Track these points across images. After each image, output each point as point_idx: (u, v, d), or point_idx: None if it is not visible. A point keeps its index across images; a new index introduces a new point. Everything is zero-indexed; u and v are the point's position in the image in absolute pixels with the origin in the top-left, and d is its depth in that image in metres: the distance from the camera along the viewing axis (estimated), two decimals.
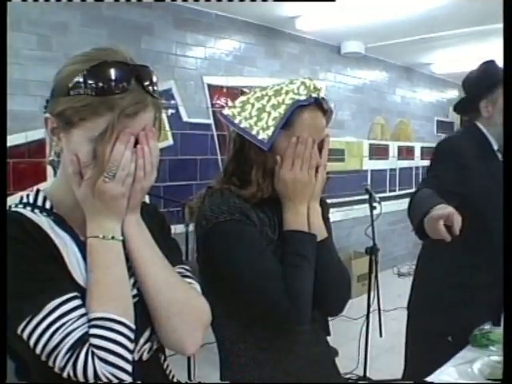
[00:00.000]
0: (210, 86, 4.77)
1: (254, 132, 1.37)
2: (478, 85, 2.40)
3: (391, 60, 6.87)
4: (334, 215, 5.85)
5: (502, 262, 1.30)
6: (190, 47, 4.64)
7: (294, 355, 1.45)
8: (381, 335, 3.72)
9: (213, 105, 4.79)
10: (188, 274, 1.15)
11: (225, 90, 4.82)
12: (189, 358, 3.43)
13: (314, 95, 1.38)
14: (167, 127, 4.45)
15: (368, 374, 3.70)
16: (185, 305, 1.05)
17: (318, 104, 1.39)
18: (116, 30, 3.96)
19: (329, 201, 5.36)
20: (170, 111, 4.49)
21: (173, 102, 4.51)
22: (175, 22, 4.48)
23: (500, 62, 2.42)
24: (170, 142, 4.49)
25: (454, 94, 8.46)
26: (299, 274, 1.33)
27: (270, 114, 1.36)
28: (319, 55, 5.85)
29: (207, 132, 4.73)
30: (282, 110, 1.36)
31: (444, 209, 1.75)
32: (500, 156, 2.33)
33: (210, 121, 4.71)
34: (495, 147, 2.34)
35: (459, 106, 2.55)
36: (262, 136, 1.36)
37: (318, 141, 1.40)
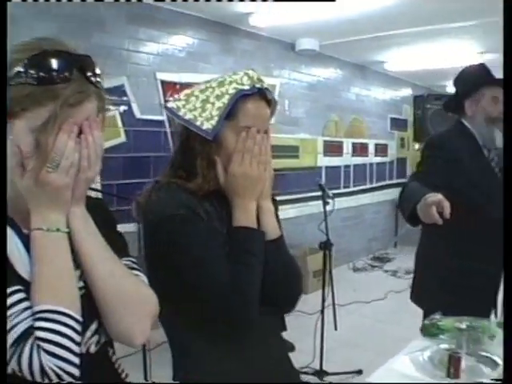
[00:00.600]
0: (163, 83, 4.74)
1: (198, 123, 1.37)
2: (464, 84, 2.57)
3: (345, 58, 6.96)
4: (289, 212, 5.92)
5: (496, 249, 1.44)
6: (143, 43, 4.60)
7: (246, 352, 1.46)
8: (336, 328, 3.76)
9: (166, 101, 4.73)
10: (135, 266, 1.15)
11: (178, 86, 4.80)
12: (145, 358, 3.40)
13: (258, 85, 1.39)
14: (120, 124, 4.40)
15: (324, 368, 3.76)
16: (131, 295, 1.06)
17: (261, 94, 1.42)
18: (66, 25, 3.89)
19: (283, 198, 5.46)
20: (123, 108, 4.45)
21: (125, 98, 4.47)
22: (128, 17, 4.44)
23: (466, 62, 2.59)
24: (123, 139, 4.45)
25: (407, 91, 8.65)
26: (247, 271, 1.34)
27: (213, 104, 1.38)
28: (273, 52, 5.89)
29: (160, 129, 4.70)
30: (225, 99, 1.38)
31: (435, 196, 1.97)
32: (486, 152, 2.49)
33: (163, 117, 4.68)
34: (480, 143, 2.49)
35: (447, 103, 2.69)
36: (207, 126, 1.37)
37: (262, 131, 1.40)
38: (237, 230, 1.37)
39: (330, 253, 3.62)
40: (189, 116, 1.39)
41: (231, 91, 1.38)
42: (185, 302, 1.36)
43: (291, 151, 6.11)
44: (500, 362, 1.92)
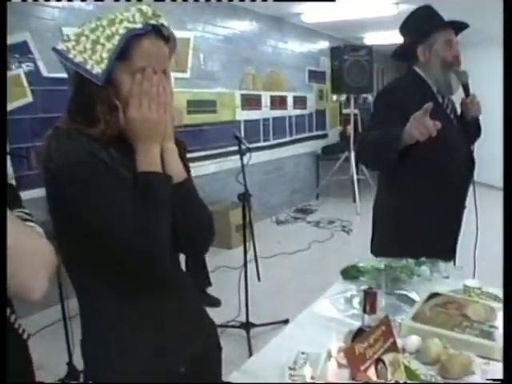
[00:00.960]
0: None
1: (88, 66, 1.28)
2: (414, 30, 2.46)
3: (261, 10, 6.84)
4: (209, 167, 5.87)
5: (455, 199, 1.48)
6: None
7: (160, 308, 1.43)
8: (259, 280, 3.77)
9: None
10: (28, 217, 1.09)
11: None
12: (66, 326, 3.27)
13: (152, 22, 1.30)
14: (25, 84, 4.16)
15: (251, 320, 3.77)
16: (24, 247, 1.00)
17: (157, 32, 1.32)
18: None
19: (203, 153, 5.35)
20: (27, 66, 4.18)
21: (30, 56, 4.20)
22: None
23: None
24: (30, 99, 4.21)
25: (324, 44, 8.68)
26: (154, 215, 1.28)
27: (104, 46, 1.28)
28: (187, 5, 5.69)
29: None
30: (115, 41, 1.28)
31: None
32: (440, 98, 2.47)
33: None
34: (434, 90, 2.44)
35: (398, 52, 2.59)
36: (97, 70, 1.28)
37: (160, 71, 1.32)
38: (141, 175, 1.30)
39: (250, 204, 3.59)
40: (79, 59, 1.29)
41: (122, 31, 1.28)
42: (92, 251, 1.30)
43: (208, 106, 6.02)
44: (417, 298, 1.97)
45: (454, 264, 2.64)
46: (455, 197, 2.56)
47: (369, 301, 1.26)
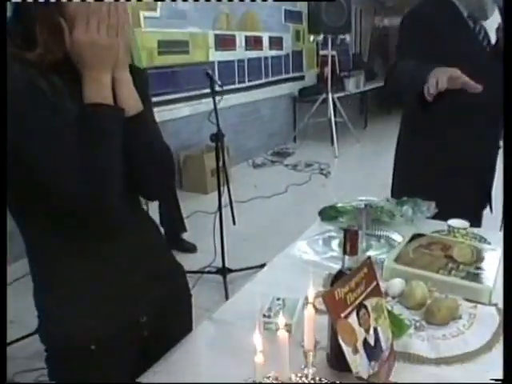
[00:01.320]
0: None
1: None
2: None
3: None
4: (182, 110, 5.67)
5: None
6: None
7: (115, 255, 1.30)
8: (234, 223, 3.66)
9: None
10: None
11: None
12: None
13: None
14: None
15: (227, 265, 3.69)
16: None
17: None
18: None
19: (175, 96, 5.11)
20: None
21: None
22: None
23: None
24: None
25: None
26: (102, 156, 1.13)
27: None
28: None
29: None
30: None
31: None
32: (471, 23, 2.20)
33: None
34: (465, 13, 2.19)
35: None
36: None
37: None
38: (87, 108, 1.13)
39: (223, 145, 3.42)
40: None
41: None
42: (34, 197, 1.15)
43: (180, 46, 5.75)
44: (400, 239, 1.86)
45: (491, 211, 2.48)
46: (487, 134, 2.32)
47: (350, 240, 1.13)
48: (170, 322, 1.44)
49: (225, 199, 3.63)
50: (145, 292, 1.35)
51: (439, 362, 1.26)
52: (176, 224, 4.23)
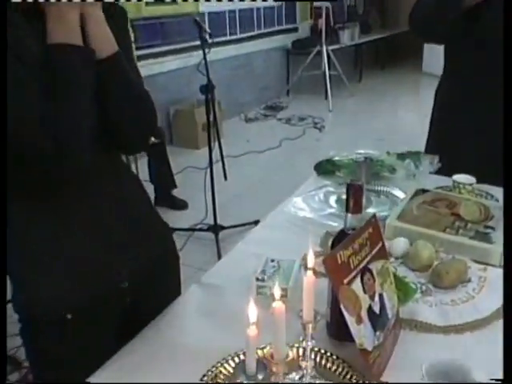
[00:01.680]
0: None
1: None
2: None
3: None
4: (172, 63, 5.49)
5: None
6: None
7: (89, 216, 1.17)
8: (225, 179, 3.53)
9: None
10: None
11: None
12: None
13: None
14: None
15: (219, 222, 3.58)
16: None
17: None
18: None
19: (164, 48, 4.88)
20: None
21: None
22: None
23: None
24: None
25: None
26: (69, 101, 0.99)
27: None
28: None
29: None
30: None
31: None
32: None
33: None
34: None
35: None
36: None
37: None
38: (52, 49, 0.98)
39: (214, 97, 3.25)
40: None
41: None
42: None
43: None
44: (402, 195, 1.75)
45: None
46: None
47: (353, 197, 1.01)
48: (156, 287, 1.33)
49: (216, 154, 3.50)
50: (126, 254, 1.23)
51: (448, 330, 1.16)
52: (166, 180, 4.11)
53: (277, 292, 0.81)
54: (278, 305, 0.80)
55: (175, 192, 4.16)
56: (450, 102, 2.10)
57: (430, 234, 1.46)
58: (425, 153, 2.05)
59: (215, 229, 3.57)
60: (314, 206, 1.72)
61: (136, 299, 1.28)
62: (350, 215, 1.05)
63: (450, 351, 1.08)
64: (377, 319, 1.01)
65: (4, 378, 0.84)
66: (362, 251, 1.01)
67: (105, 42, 1.06)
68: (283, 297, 0.84)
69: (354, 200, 1.02)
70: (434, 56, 8.92)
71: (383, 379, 1.00)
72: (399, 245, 1.43)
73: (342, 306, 0.93)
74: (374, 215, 1.08)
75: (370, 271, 1.02)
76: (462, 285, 1.30)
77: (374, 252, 1.05)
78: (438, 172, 1.90)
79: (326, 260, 0.93)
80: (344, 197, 1.60)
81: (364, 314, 0.98)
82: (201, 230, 3.68)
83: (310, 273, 0.88)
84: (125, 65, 1.10)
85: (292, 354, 0.85)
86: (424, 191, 1.72)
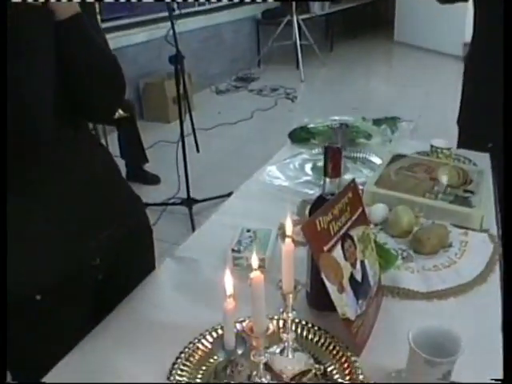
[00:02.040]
0: None
1: None
2: None
3: None
4: (140, 36, 5.34)
5: None
6: None
7: (49, 190, 1.09)
8: (198, 151, 3.47)
9: None
10: None
11: None
12: None
13: None
14: None
15: (192, 196, 3.52)
16: None
17: None
18: None
19: (131, 20, 4.73)
20: None
21: None
22: None
23: None
24: None
25: None
26: (26, 69, 0.92)
27: None
28: None
29: None
30: None
31: None
32: None
33: None
34: None
35: None
36: None
37: None
38: (10, 7, 0.90)
39: (183, 68, 3.16)
40: None
41: None
42: None
43: None
44: (379, 161, 1.72)
45: None
46: None
47: (332, 160, 0.96)
48: (129, 262, 1.28)
49: (188, 127, 3.43)
50: (96, 229, 1.17)
51: (431, 296, 1.13)
52: (137, 155, 4.02)
53: (254, 261, 0.76)
54: (256, 274, 0.74)
55: (147, 167, 4.09)
56: (482, 70, 1.98)
57: (409, 200, 1.43)
58: (458, 126, 2.03)
59: (189, 202, 3.52)
60: (289, 174, 1.69)
61: (109, 276, 1.23)
62: (328, 180, 1.00)
63: (434, 318, 1.05)
64: (359, 287, 0.98)
65: (4, 378, 0.82)
66: (341, 217, 0.96)
67: (65, 4, 0.98)
68: (261, 267, 0.79)
69: (332, 164, 0.97)
70: (407, 25, 8.94)
71: (367, 350, 0.97)
72: (378, 211, 1.40)
73: (322, 275, 0.89)
74: (353, 180, 1.03)
75: (351, 238, 0.98)
76: (443, 250, 1.28)
77: (354, 218, 1.00)
78: (471, 146, 1.85)
79: (305, 227, 0.89)
80: (320, 164, 1.62)
81: (346, 282, 0.94)
82: (174, 204, 3.62)
83: (288, 240, 0.83)
84: (87, 27, 1.02)
85: (272, 326, 0.80)
86: (401, 156, 1.68)
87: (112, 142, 3.83)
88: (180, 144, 3.44)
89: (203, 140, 3.79)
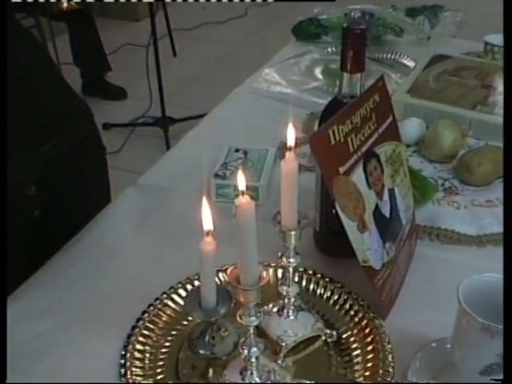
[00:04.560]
0: None
1: None
2: None
3: None
4: None
5: None
6: None
7: None
8: (175, 55, 3.45)
9: None
10: None
11: None
12: None
13: None
14: None
15: (168, 114, 3.55)
16: None
17: None
18: None
19: None
20: None
21: None
22: None
23: None
24: None
25: None
26: None
27: None
28: None
29: None
30: None
31: None
32: None
33: None
34: None
35: None
36: None
37: None
38: None
39: None
40: None
41: None
42: None
43: None
44: (411, 64, 1.69)
45: None
46: None
47: (352, 46, 0.89)
48: (74, 193, 1.24)
49: (162, 27, 3.38)
50: (29, 149, 1.13)
51: (483, 240, 1.10)
52: (96, 62, 4.02)
53: (241, 183, 0.68)
54: (245, 200, 0.67)
55: (109, 77, 4.11)
56: None
57: (453, 113, 1.40)
58: None
59: (163, 123, 3.55)
60: (292, 79, 1.68)
61: (47, 211, 1.20)
62: (346, 76, 0.91)
63: (487, 270, 1.00)
64: (387, 225, 0.92)
65: (4, 378, 0.81)
66: (364, 128, 0.89)
67: None
68: (253, 199, 0.72)
69: (353, 52, 0.89)
70: None
71: (395, 310, 0.92)
72: (412, 128, 1.37)
73: (337, 207, 0.82)
74: (382, 77, 0.95)
75: (377, 157, 0.91)
76: (499, 180, 1.24)
77: (381, 130, 0.93)
78: None
79: (314, 139, 0.81)
80: (334, 66, 1.61)
81: (369, 217, 0.87)
82: (144, 124, 3.66)
83: (290, 155, 0.75)
84: None
85: (267, 275, 0.74)
86: (444, 58, 1.66)
87: (62, 45, 3.80)
88: (152, 48, 3.43)
89: (182, 43, 3.86)
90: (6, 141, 0.98)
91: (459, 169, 1.25)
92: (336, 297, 0.95)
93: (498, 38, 1.66)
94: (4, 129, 0.97)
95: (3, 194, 0.95)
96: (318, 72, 1.70)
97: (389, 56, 1.78)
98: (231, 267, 0.75)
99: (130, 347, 0.88)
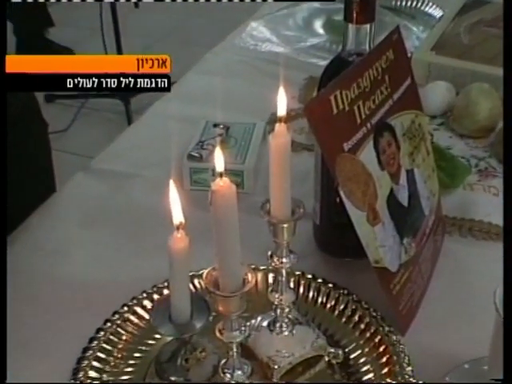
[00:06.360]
0: None
1: None
2: None
3: None
4: None
5: None
6: None
7: None
8: (136, 6, 3.55)
9: None
10: None
11: None
12: None
13: None
14: None
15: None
16: None
17: None
18: None
19: None
20: None
21: None
22: None
23: None
24: None
25: None
26: None
27: None
28: None
29: None
30: None
31: None
32: None
33: None
34: None
35: None
36: None
37: None
38: None
39: None
40: None
41: None
42: None
43: None
44: (438, 13, 1.72)
45: None
46: None
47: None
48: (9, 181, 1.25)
49: None
50: None
51: None
52: (34, 14, 4.04)
53: (219, 164, 0.70)
54: (224, 183, 0.68)
55: (52, 34, 4.17)
56: None
57: (491, 74, 1.42)
58: None
59: (123, 96, 3.62)
60: (286, 35, 1.74)
61: None
62: (352, 28, 0.94)
63: None
64: (404, 216, 0.95)
65: (4, 378, 0.85)
66: (375, 93, 0.91)
67: None
68: (236, 185, 0.73)
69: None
70: None
71: (417, 324, 0.95)
72: (437, 94, 1.41)
73: (341, 193, 0.84)
74: (398, 28, 0.98)
75: (392, 130, 0.93)
76: None
77: (396, 96, 0.96)
78: None
79: (311, 108, 0.83)
80: (338, 18, 1.64)
81: (382, 206, 0.90)
82: (99, 95, 3.63)
83: (280, 127, 0.76)
84: None
85: (253, 279, 0.75)
86: (479, 4, 1.70)
87: None
88: None
89: None
90: (5, 141, 1.03)
91: (498, 146, 1.27)
92: (342, 306, 0.98)
93: None
94: (4, 129, 1.02)
95: (3, 194, 1.00)
96: (318, 25, 1.74)
97: (408, 3, 1.81)
98: (208, 269, 0.77)
99: (81, 375, 0.89)
